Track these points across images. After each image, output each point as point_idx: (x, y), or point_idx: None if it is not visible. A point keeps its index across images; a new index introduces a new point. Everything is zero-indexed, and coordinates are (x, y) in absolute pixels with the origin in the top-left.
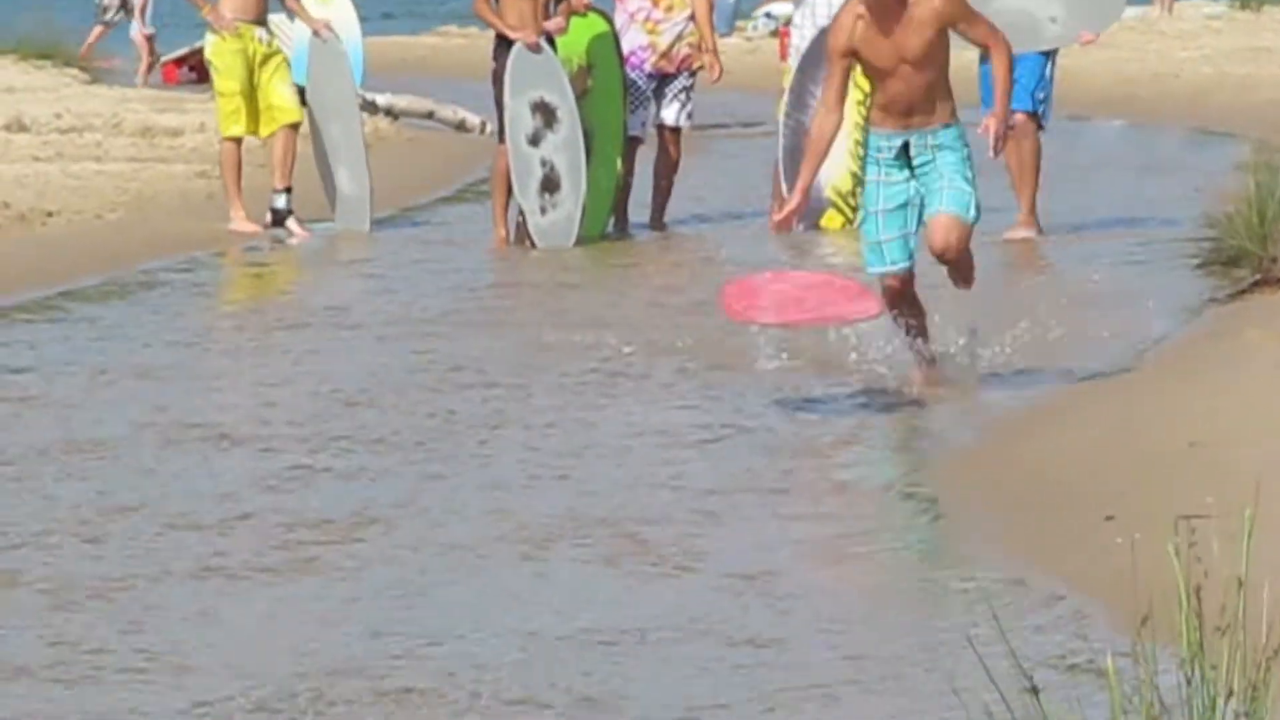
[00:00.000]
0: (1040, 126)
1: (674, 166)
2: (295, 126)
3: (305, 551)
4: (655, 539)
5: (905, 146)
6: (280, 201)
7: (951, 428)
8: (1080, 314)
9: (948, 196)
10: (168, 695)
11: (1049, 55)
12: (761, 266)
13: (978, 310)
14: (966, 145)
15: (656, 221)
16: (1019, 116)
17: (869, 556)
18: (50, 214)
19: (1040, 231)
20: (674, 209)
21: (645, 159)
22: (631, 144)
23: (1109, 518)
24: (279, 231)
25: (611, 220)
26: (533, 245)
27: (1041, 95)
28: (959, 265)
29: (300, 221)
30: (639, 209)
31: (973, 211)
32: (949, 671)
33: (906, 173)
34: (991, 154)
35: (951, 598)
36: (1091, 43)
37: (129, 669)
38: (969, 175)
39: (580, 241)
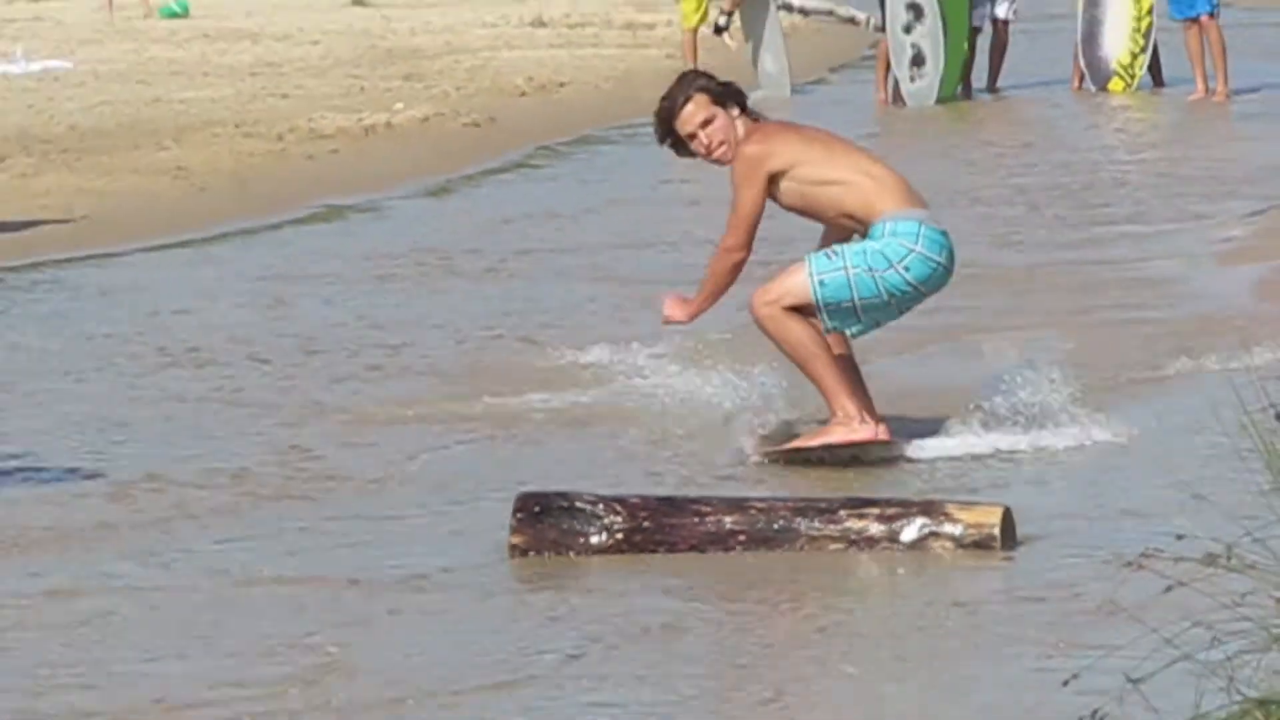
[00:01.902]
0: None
1: (1004, 48)
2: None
3: None
4: None
5: None
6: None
7: None
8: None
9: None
10: None
11: None
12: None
13: None
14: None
15: (992, 87)
16: (1204, 18)
17: None
18: (562, 84)
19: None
20: (1003, 79)
21: (983, 43)
22: (974, 32)
23: None
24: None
25: (960, 86)
26: (903, 104)
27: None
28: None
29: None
30: (980, 76)
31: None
32: None
33: None
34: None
35: None
36: None
37: None
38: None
39: (938, 101)
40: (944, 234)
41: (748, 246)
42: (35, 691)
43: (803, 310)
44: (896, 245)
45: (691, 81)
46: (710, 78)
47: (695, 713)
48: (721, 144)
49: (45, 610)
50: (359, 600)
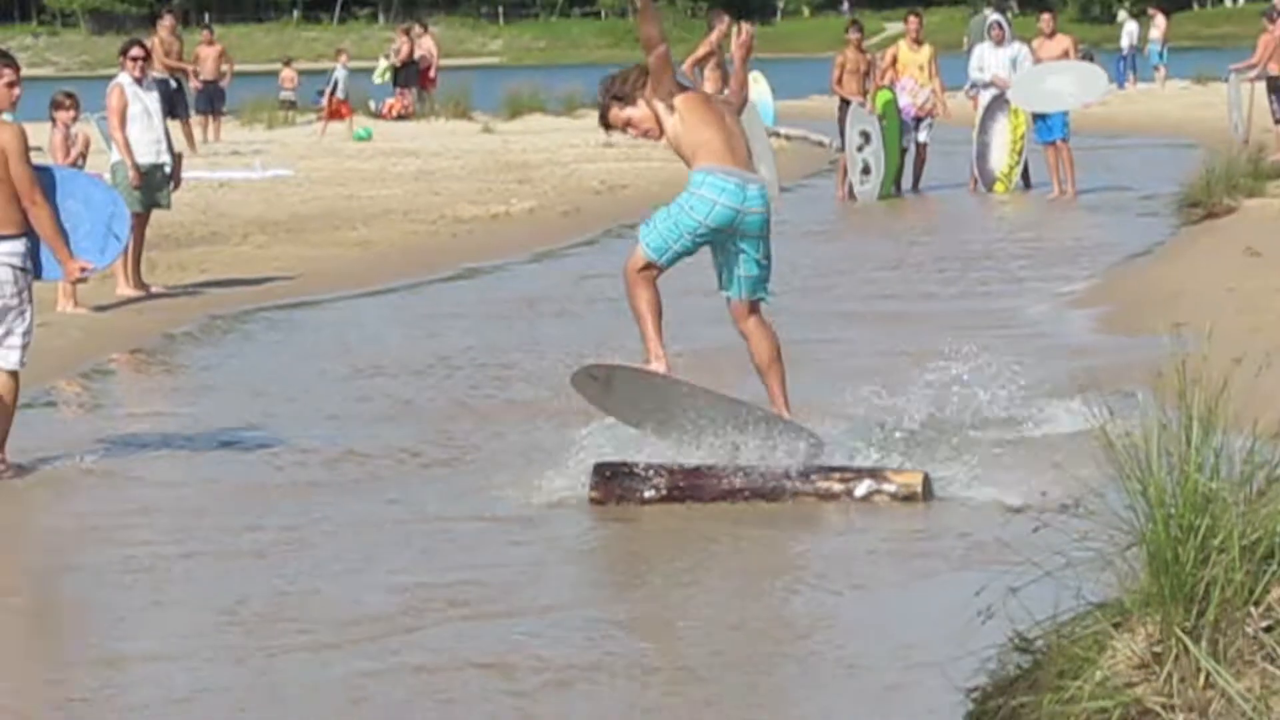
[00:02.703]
0: (1067, 141)
1: (923, 162)
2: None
3: None
4: None
5: None
6: None
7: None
8: (1111, 231)
9: None
10: None
11: (1067, 111)
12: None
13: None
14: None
15: (915, 188)
16: (1059, 142)
17: None
18: (625, 186)
19: (1075, 197)
20: (923, 183)
21: (909, 159)
22: (903, 152)
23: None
24: None
25: (894, 187)
26: (855, 200)
27: (1067, 129)
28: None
29: None
30: (907, 181)
31: (647, 249)
32: None
33: None
34: None
35: None
36: (1091, 106)
37: None
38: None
39: (880, 198)
40: (731, 181)
41: (664, 58)
42: (284, 590)
43: (650, 265)
44: (687, 194)
45: (606, 91)
46: (618, 82)
47: (719, 593)
48: (646, 130)
49: (280, 537)
50: (494, 530)
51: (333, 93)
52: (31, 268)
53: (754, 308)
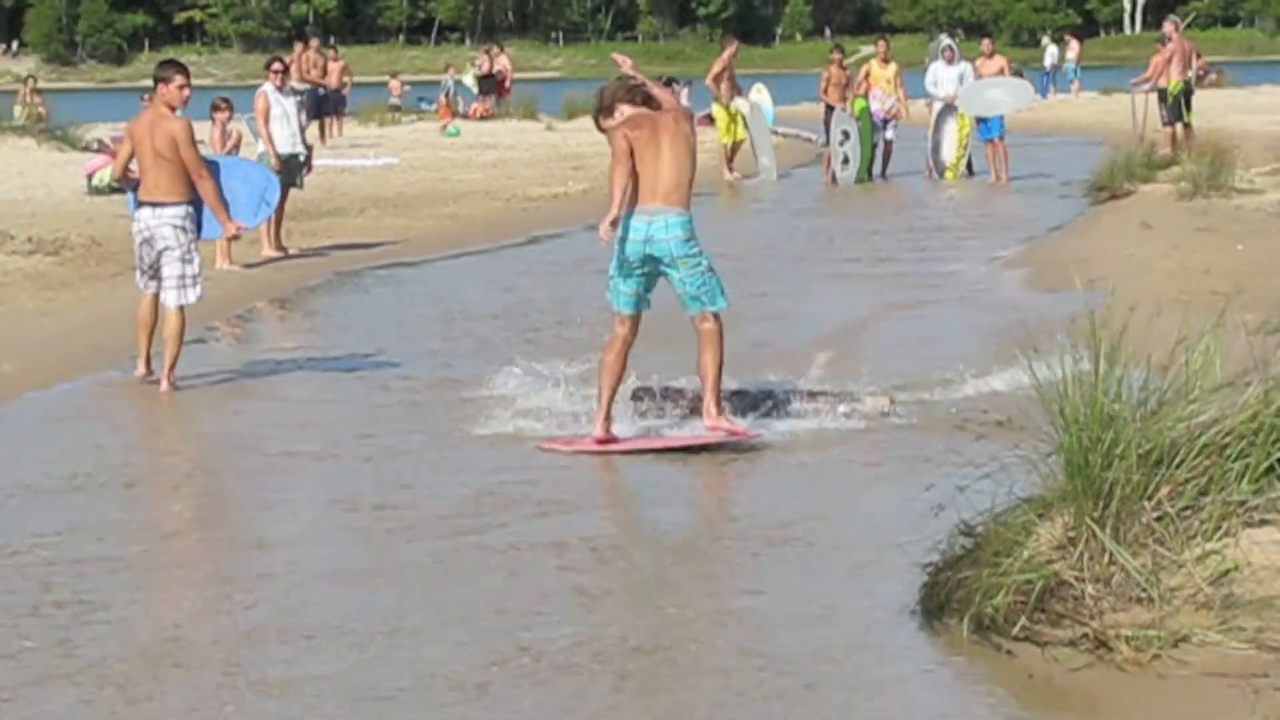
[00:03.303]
0: (1003, 139)
1: (889, 155)
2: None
3: None
4: None
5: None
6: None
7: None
8: (1036, 210)
9: None
10: None
11: (1002, 115)
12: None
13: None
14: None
15: (883, 175)
16: (995, 140)
17: None
18: None
19: (1008, 183)
20: (890, 171)
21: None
22: (874, 146)
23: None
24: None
25: (867, 175)
26: (836, 184)
27: (1003, 129)
28: None
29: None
30: (877, 169)
31: (611, 303)
32: None
33: None
34: None
35: None
36: (1021, 111)
37: None
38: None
39: (856, 182)
40: (640, 220)
41: (624, 164)
42: (390, 487)
43: (621, 321)
44: (615, 242)
45: (595, 106)
46: (600, 98)
47: (727, 489)
48: (617, 130)
49: (388, 445)
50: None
51: (447, 96)
52: (193, 228)
53: (705, 318)
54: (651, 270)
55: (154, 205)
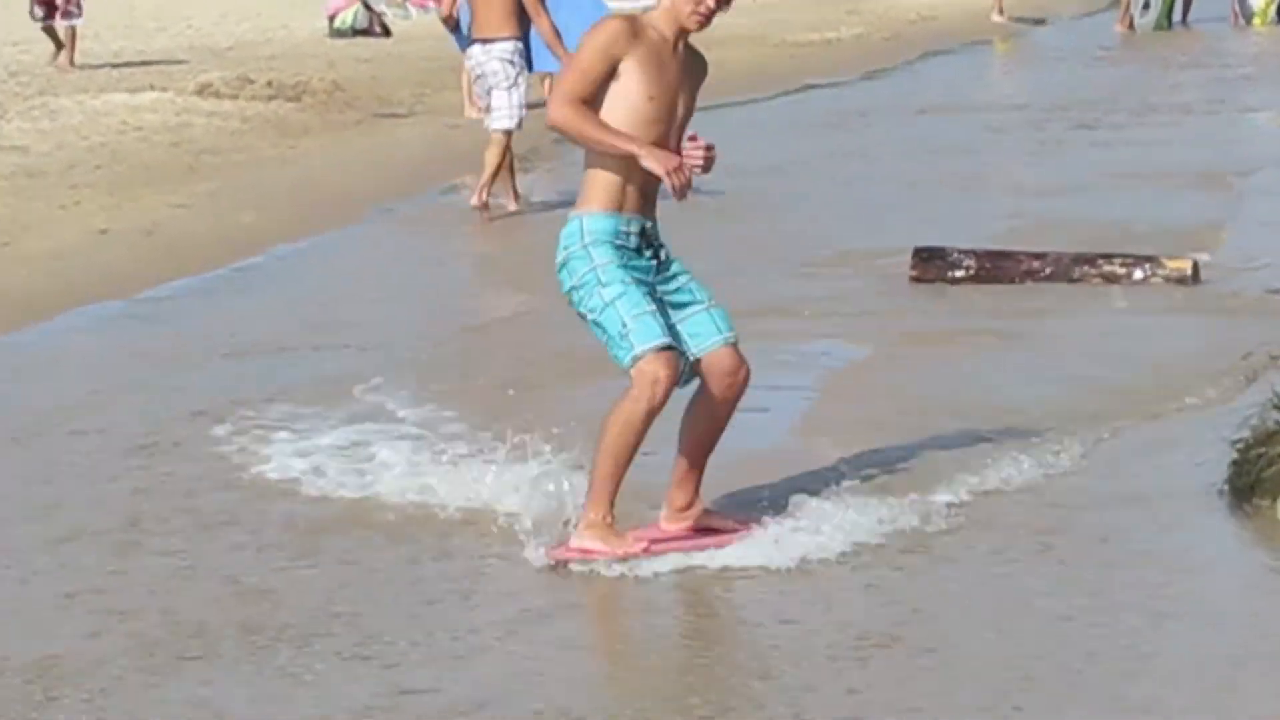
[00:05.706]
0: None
1: (1190, 2)
2: None
3: None
4: None
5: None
6: None
7: None
8: None
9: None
10: None
11: None
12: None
13: None
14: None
15: (1184, 21)
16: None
17: None
18: (934, 18)
19: None
20: (1191, 17)
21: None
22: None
23: None
24: None
25: (1168, 21)
26: (1134, 31)
27: None
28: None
29: None
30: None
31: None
32: None
33: None
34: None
35: None
36: None
37: None
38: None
39: (1155, 29)
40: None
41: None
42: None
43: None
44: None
45: None
46: None
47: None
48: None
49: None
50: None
51: None
52: (520, 61)
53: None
54: None
55: (484, 41)
